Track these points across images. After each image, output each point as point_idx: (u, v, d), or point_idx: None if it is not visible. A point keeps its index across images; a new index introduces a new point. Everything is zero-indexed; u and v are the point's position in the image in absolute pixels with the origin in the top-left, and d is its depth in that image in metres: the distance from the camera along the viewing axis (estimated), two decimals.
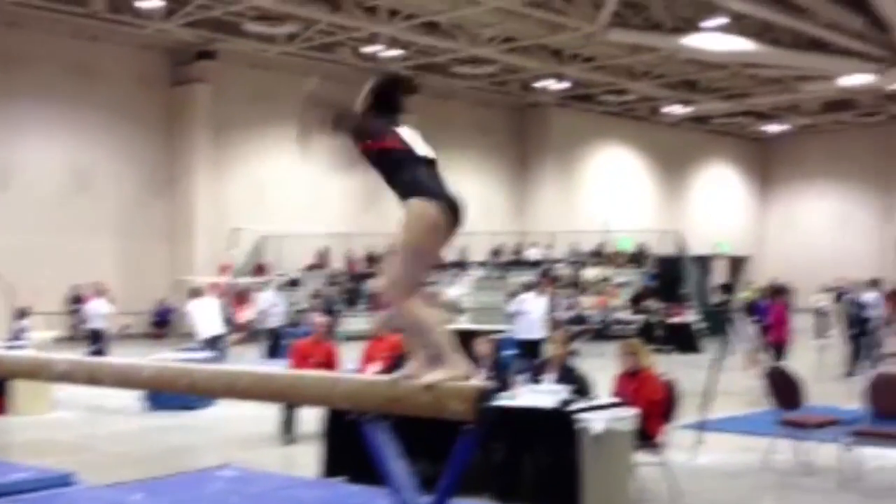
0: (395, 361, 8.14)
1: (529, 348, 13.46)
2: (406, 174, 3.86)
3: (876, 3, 21.55)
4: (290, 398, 5.26)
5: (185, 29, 24.42)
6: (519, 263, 28.61)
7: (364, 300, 24.92)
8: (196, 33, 24.86)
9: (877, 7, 21.73)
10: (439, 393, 3.97)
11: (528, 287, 16.39)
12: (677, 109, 34.29)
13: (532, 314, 14.51)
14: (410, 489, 4.16)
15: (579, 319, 23.20)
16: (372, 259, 28.12)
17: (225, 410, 11.01)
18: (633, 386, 7.16)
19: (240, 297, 21.01)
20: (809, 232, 38.73)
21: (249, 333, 17.97)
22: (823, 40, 23.96)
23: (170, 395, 10.06)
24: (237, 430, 10.28)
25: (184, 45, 25.83)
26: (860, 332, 15.93)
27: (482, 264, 28.16)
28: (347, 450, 6.74)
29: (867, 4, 21.85)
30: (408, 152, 3.90)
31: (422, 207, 3.80)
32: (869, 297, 16.92)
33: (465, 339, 8.95)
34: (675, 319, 22.99)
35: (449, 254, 28.88)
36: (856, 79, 27.33)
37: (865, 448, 7.75)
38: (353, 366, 9.49)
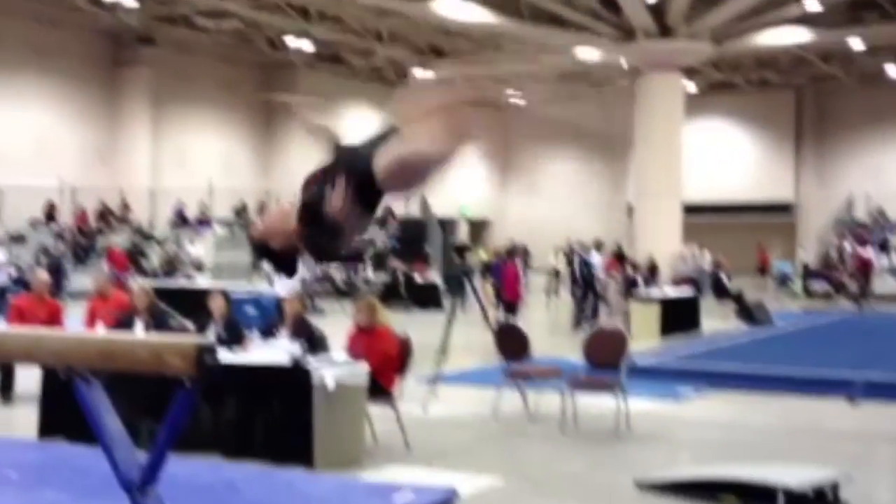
0: (123, 319, 7.81)
1: None
2: None
3: None
4: None
5: None
6: None
7: (95, 257, 23.72)
8: None
9: None
10: (157, 348, 3.82)
11: None
12: (424, 74, 34.82)
13: None
14: (126, 447, 3.99)
15: (325, 278, 23.27)
16: (104, 214, 26.78)
17: None
18: (368, 341, 7.24)
19: None
20: (547, 197, 40.65)
21: None
22: (561, 16, 25.08)
23: None
24: None
25: None
26: (586, 289, 16.96)
27: (226, 222, 27.57)
28: (64, 409, 6.40)
29: None
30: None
31: None
32: (595, 258, 18.07)
33: (201, 297, 8.74)
34: (419, 279, 23.57)
35: (189, 212, 28.03)
36: (589, 53, 28.83)
37: (582, 396, 8.28)
38: (79, 324, 9.02)
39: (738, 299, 19.13)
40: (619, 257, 20.09)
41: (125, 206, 27.30)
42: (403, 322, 9.25)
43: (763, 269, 28.79)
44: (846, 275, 23.98)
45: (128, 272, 20.58)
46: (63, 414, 6.64)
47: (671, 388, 10.08)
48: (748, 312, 17.89)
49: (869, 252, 21.90)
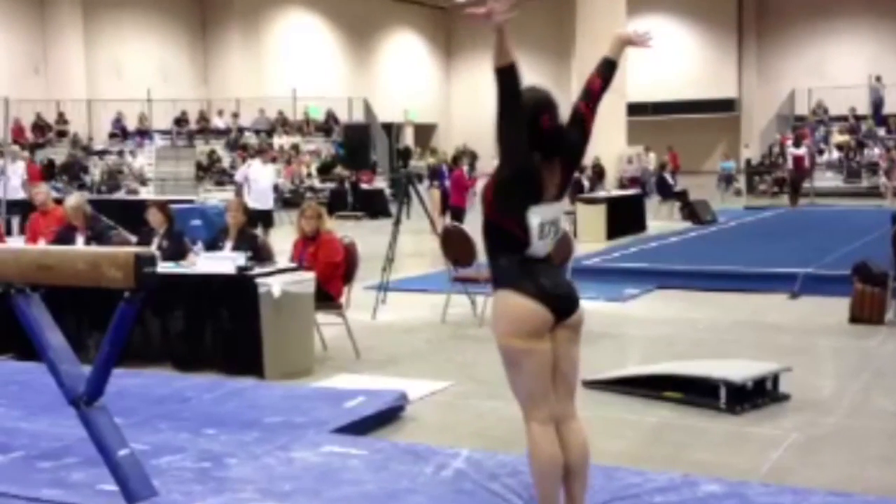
0: (63, 234, 7.67)
1: (261, 218, 13.24)
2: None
3: None
4: None
5: None
6: (205, 132, 27.75)
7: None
8: None
9: None
10: (95, 259, 3.75)
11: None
12: None
13: (261, 183, 14.25)
14: (70, 361, 3.96)
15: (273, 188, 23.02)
16: (41, 128, 26.08)
17: None
18: (313, 249, 7.21)
19: None
20: (492, 100, 40.28)
21: None
22: None
23: None
24: None
25: None
26: None
27: (166, 133, 27.04)
28: (14, 327, 6.30)
29: None
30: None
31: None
32: None
33: (145, 210, 8.58)
34: (366, 186, 23.42)
35: (129, 123, 27.39)
36: None
37: None
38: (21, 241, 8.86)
39: (683, 198, 19.33)
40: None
41: (62, 119, 26.60)
42: (352, 231, 9.22)
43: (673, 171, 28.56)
44: (786, 171, 24.32)
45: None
46: (13, 332, 6.55)
47: (617, 287, 10.22)
48: (692, 211, 18.11)
49: (801, 151, 22.15)
